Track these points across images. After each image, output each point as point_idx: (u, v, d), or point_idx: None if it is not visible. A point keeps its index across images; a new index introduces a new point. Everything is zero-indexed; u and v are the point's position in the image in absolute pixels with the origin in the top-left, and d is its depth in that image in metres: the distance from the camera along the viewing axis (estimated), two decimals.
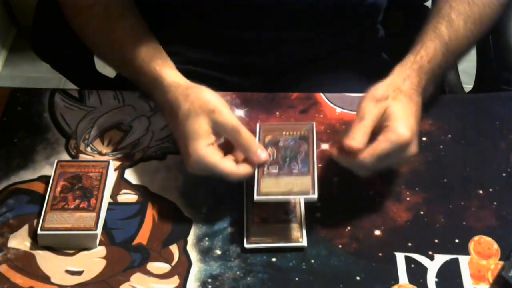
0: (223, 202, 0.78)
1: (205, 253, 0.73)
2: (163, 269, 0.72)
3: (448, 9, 0.82)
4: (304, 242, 0.73)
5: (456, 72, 1.09)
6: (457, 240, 0.74)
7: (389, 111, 0.73)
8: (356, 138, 0.71)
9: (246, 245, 0.73)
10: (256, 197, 0.72)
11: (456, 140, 0.84)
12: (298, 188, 0.72)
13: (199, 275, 0.72)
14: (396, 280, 0.71)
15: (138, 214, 0.77)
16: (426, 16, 1.05)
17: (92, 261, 0.73)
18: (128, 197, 0.78)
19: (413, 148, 0.73)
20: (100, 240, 0.74)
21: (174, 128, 0.78)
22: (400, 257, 0.73)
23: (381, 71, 1.00)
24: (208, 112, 0.75)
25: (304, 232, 0.74)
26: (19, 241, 0.74)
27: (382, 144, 0.71)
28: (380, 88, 0.76)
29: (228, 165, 0.74)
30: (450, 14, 0.81)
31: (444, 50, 0.79)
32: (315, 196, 0.72)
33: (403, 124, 0.72)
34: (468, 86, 1.07)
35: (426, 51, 0.79)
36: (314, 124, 0.78)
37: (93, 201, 0.75)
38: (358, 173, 0.75)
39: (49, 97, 0.89)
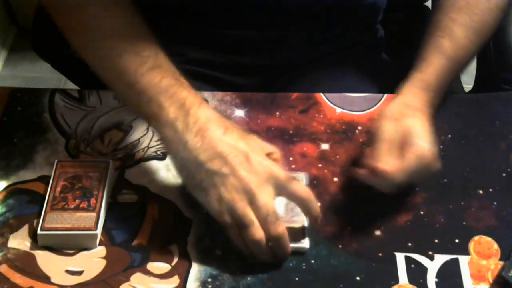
0: None
1: (205, 253, 0.73)
2: (163, 269, 0.72)
3: (448, 21, 0.81)
4: (305, 244, 0.73)
5: None
6: (457, 240, 0.74)
7: (409, 129, 0.73)
8: (389, 162, 0.71)
9: None
10: None
11: (456, 140, 0.84)
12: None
13: (199, 275, 0.72)
14: (396, 280, 0.71)
15: (138, 214, 0.77)
16: (426, 16, 1.06)
17: (92, 261, 0.73)
18: (128, 197, 0.78)
19: (437, 163, 0.74)
20: (100, 240, 0.74)
21: (209, 129, 0.69)
22: (400, 257, 0.73)
23: (381, 71, 1.01)
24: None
25: (306, 234, 0.74)
26: (19, 241, 0.74)
27: (411, 161, 0.71)
28: (394, 107, 0.76)
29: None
30: (451, 27, 0.81)
31: (449, 65, 0.79)
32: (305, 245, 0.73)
33: (427, 141, 0.73)
34: (468, 86, 1.07)
35: (432, 69, 0.79)
36: None
37: (93, 201, 0.75)
38: (383, 189, 0.74)
39: (49, 97, 0.89)
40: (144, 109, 0.73)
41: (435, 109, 0.80)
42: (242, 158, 0.68)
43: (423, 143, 0.72)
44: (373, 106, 0.88)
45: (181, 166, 0.71)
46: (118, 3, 0.78)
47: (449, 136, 0.84)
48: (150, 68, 0.73)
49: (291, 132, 0.85)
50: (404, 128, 0.74)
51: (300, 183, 0.71)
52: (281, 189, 0.69)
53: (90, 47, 0.77)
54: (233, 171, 0.67)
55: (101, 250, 0.74)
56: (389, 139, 0.73)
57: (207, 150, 0.68)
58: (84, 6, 0.77)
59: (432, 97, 0.78)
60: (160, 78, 0.72)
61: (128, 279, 0.71)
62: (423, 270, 0.72)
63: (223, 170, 0.68)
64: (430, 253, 0.73)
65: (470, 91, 1.05)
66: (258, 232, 0.67)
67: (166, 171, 0.81)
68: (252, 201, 0.67)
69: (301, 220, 0.74)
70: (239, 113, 0.87)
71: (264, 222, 0.67)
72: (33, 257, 0.73)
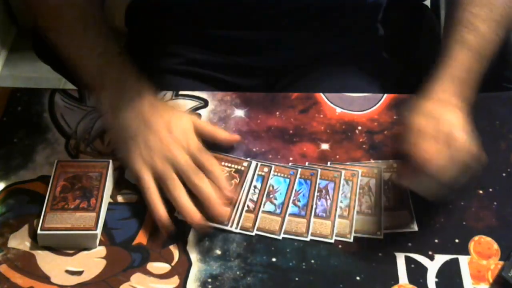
0: None
1: (205, 253, 0.73)
2: (163, 269, 0.72)
3: (470, 16, 0.80)
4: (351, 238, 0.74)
5: None
6: (457, 240, 0.74)
7: (447, 123, 0.72)
8: (429, 149, 0.69)
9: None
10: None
11: None
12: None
13: (199, 275, 0.72)
14: (396, 280, 0.71)
15: (138, 214, 0.77)
16: (425, 15, 1.05)
17: (92, 261, 0.73)
18: (128, 197, 0.78)
19: (481, 156, 0.72)
20: (100, 240, 0.74)
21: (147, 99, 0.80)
22: (400, 257, 0.73)
23: (381, 71, 1.01)
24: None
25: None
26: (19, 241, 0.74)
27: (456, 153, 0.70)
28: (426, 104, 0.75)
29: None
30: (474, 22, 0.80)
31: (477, 57, 0.78)
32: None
33: (467, 132, 0.71)
34: None
35: (460, 63, 0.77)
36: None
37: (93, 201, 0.75)
38: (429, 193, 0.73)
39: (49, 97, 0.89)
40: (89, 83, 0.84)
41: (471, 103, 0.77)
42: (162, 126, 0.78)
43: (464, 134, 0.71)
44: (373, 106, 0.88)
45: (111, 130, 0.82)
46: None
47: None
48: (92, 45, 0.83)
49: (291, 132, 0.85)
50: (441, 123, 0.72)
51: (208, 156, 0.78)
52: (191, 153, 0.78)
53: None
54: (153, 135, 0.78)
55: (101, 250, 0.74)
56: (423, 131, 0.71)
57: (133, 117, 0.79)
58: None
59: (464, 91, 0.76)
60: (98, 54, 0.82)
61: (128, 279, 0.71)
62: (423, 270, 0.72)
63: (145, 134, 0.78)
64: (430, 253, 0.73)
65: None
66: (176, 183, 0.75)
67: None
68: (170, 158, 0.76)
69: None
70: (239, 113, 0.87)
71: (183, 174, 0.76)
72: (33, 257, 0.73)
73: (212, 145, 0.81)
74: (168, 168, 0.76)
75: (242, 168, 0.80)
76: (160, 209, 0.74)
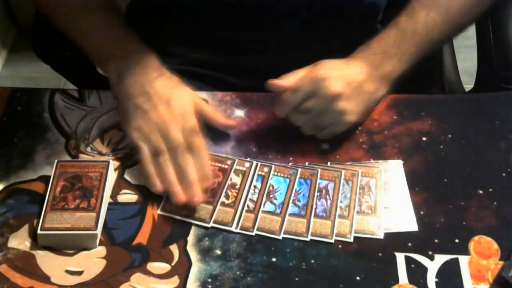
0: None
1: (205, 253, 0.73)
2: (163, 269, 0.72)
3: (413, 3, 0.86)
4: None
5: (456, 72, 1.09)
6: (457, 240, 0.74)
7: (327, 68, 0.80)
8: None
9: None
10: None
11: (456, 140, 0.84)
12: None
13: (199, 275, 0.72)
14: (396, 280, 0.71)
15: (138, 214, 0.77)
16: None
17: (92, 261, 0.73)
18: (128, 197, 0.78)
19: (342, 104, 0.78)
20: (100, 240, 0.74)
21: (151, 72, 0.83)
22: (400, 257, 0.73)
23: None
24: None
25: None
26: (19, 241, 0.74)
27: (304, 79, 0.79)
28: (338, 60, 0.82)
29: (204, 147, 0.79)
30: (414, 7, 0.85)
31: (405, 35, 0.83)
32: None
33: (323, 67, 0.79)
34: (468, 86, 1.07)
35: (383, 40, 0.84)
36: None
37: (93, 201, 0.75)
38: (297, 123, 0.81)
39: (49, 97, 0.89)
40: (98, 56, 0.88)
41: (393, 75, 0.83)
42: (164, 100, 0.80)
43: (317, 67, 0.78)
44: None
45: (118, 99, 0.85)
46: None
47: (449, 136, 0.84)
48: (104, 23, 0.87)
49: (291, 132, 0.85)
50: (321, 68, 0.80)
51: (200, 140, 0.79)
52: (186, 133, 0.79)
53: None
54: (153, 108, 0.79)
55: (101, 250, 0.74)
56: (313, 69, 0.80)
57: (137, 88, 0.81)
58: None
59: (382, 61, 0.82)
60: (110, 29, 0.86)
61: (128, 279, 0.71)
62: (423, 270, 0.72)
63: (145, 106, 0.80)
64: (430, 253, 0.73)
65: (470, 91, 1.05)
66: (167, 159, 0.78)
67: None
68: (164, 134, 0.78)
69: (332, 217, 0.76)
70: (239, 113, 0.87)
71: (173, 153, 0.78)
72: (33, 257, 0.73)
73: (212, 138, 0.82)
74: (162, 144, 0.78)
75: (244, 169, 0.80)
76: (155, 179, 0.77)
